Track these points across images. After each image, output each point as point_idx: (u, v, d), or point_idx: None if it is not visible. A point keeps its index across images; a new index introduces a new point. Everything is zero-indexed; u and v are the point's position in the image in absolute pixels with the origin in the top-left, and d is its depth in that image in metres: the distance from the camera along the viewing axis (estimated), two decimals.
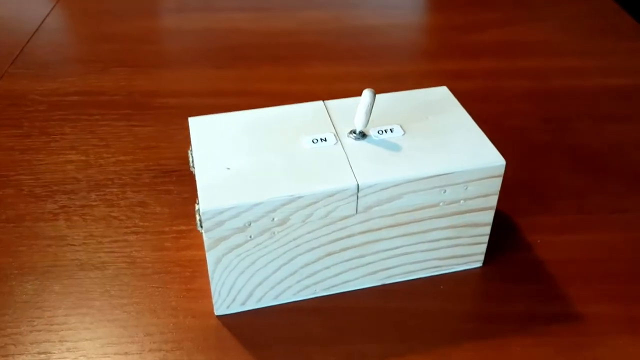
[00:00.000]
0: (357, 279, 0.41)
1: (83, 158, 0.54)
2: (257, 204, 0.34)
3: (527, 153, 0.54)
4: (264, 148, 0.38)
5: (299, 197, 0.35)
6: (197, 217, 0.35)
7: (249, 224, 0.35)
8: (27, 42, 0.72)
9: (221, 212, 0.34)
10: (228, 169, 0.36)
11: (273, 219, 0.35)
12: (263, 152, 0.37)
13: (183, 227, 0.46)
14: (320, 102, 0.42)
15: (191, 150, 0.38)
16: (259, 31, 0.74)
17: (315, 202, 0.35)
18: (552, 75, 0.66)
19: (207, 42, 0.72)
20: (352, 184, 0.35)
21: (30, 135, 0.57)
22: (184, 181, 0.50)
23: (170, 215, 0.47)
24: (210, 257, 0.36)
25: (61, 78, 0.65)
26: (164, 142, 0.55)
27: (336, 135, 0.39)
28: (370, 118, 0.39)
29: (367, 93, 0.37)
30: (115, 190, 0.50)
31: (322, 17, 0.77)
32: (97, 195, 0.50)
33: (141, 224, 0.47)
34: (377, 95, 0.44)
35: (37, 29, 0.75)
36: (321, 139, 0.38)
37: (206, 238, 0.35)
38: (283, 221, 0.35)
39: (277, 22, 0.76)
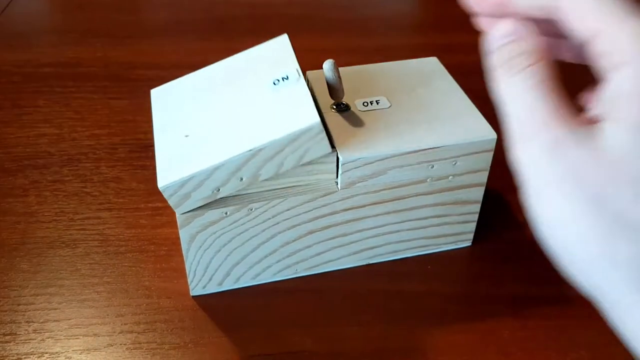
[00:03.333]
0: (340, 258, 0.39)
1: (56, 131, 0.51)
2: (217, 168, 0.32)
3: None
4: (225, 103, 0.35)
5: (260, 149, 0.32)
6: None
7: (218, 190, 0.32)
8: (2, 12, 0.69)
9: (182, 185, 0.31)
10: (186, 136, 0.34)
11: (241, 178, 0.32)
12: (224, 109, 0.34)
13: (159, 204, 0.44)
14: (285, 36, 0.38)
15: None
16: (245, 2, 0.71)
17: (281, 150, 0.32)
18: None
19: (190, 13, 0.69)
20: (313, 120, 0.31)
21: (2, 108, 0.54)
22: None
23: (146, 191, 0.45)
24: (183, 234, 0.34)
25: (35, 49, 0.62)
26: (141, 115, 0.53)
27: (298, 70, 0.35)
28: (357, 88, 0.37)
29: (326, 66, 0.35)
30: (89, 165, 0.48)
31: None
32: (69, 170, 0.47)
33: (115, 200, 0.45)
34: (364, 66, 0.42)
35: None
36: (283, 79, 0.34)
37: (178, 214, 0.33)
38: (254, 178, 0.33)
39: None
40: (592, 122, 0.23)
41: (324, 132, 0.32)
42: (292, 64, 0.35)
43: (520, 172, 0.24)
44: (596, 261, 0.23)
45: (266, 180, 0.33)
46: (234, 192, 0.33)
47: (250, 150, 0.31)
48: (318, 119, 0.32)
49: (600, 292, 0.23)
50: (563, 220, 0.23)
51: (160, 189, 0.31)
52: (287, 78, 0.34)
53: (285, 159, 0.33)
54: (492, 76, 0.26)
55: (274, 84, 0.34)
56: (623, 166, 0.22)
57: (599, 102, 0.24)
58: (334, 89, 0.35)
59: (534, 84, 0.25)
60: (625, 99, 0.23)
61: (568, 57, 0.29)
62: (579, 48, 0.26)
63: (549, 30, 0.28)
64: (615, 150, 0.22)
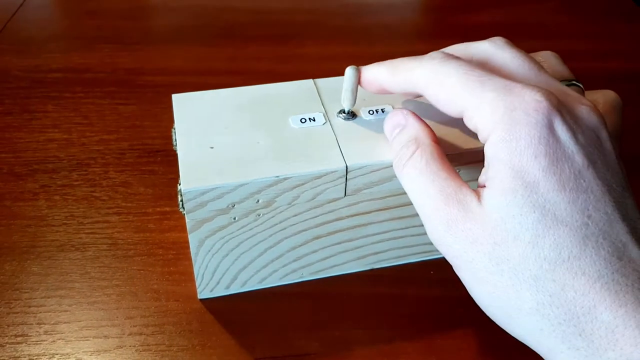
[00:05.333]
0: (345, 263, 0.39)
1: (65, 136, 0.52)
2: (241, 185, 0.33)
3: None
4: (250, 127, 0.36)
5: (285, 179, 0.33)
6: (179, 198, 0.33)
7: (233, 206, 0.34)
8: (11, 18, 0.70)
9: (204, 193, 0.32)
10: (212, 148, 0.35)
11: (258, 200, 0.34)
12: (249, 131, 0.36)
13: (167, 209, 0.45)
14: (310, 81, 0.40)
15: (174, 129, 0.37)
16: (250, 9, 0.72)
17: (302, 184, 0.34)
18: None
19: (196, 20, 0.70)
20: (340, 166, 0.34)
21: (11, 113, 0.55)
22: (168, 161, 0.49)
23: (154, 196, 0.46)
24: (192, 239, 0.35)
25: (44, 54, 0.63)
26: (149, 121, 0.53)
27: (325, 115, 0.37)
28: (362, 97, 0.37)
29: (349, 71, 0.36)
30: (98, 169, 0.48)
31: None
32: (79, 174, 0.48)
33: (124, 204, 0.45)
34: None
35: (21, 4, 0.72)
36: (310, 119, 0.37)
37: (188, 220, 0.34)
38: (268, 203, 0.34)
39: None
40: (478, 188, 0.26)
41: (345, 177, 0.34)
42: (318, 107, 0.37)
43: (438, 248, 0.27)
44: (511, 314, 0.25)
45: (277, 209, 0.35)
46: (246, 212, 0.34)
47: (277, 176, 0.33)
48: (344, 164, 0.33)
49: (525, 341, 0.26)
50: (476, 286, 0.26)
51: (182, 191, 0.32)
52: (314, 120, 0.36)
53: (302, 194, 0.34)
54: (395, 171, 0.29)
55: (302, 122, 0.36)
56: (506, 227, 0.24)
57: (483, 169, 0.27)
58: (351, 95, 0.36)
59: (419, 171, 0.28)
60: (496, 166, 0.25)
61: None
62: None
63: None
64: (493, 213, 0.25)
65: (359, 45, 0.66)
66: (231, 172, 0.33)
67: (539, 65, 0.30)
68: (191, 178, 0.33)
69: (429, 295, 0.39)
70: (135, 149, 0.51)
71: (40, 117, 0.54)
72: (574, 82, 0.38)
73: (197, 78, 0.60)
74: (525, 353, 0.35)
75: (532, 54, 0.34)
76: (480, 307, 0.27)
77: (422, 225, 0.39)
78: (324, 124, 0.36)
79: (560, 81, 0.31)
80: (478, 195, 0.25)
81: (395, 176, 0.35)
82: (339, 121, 0.37)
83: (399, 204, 0.37)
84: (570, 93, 0.28)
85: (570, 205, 0.24)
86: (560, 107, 0.25)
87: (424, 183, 0.27)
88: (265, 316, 0.37)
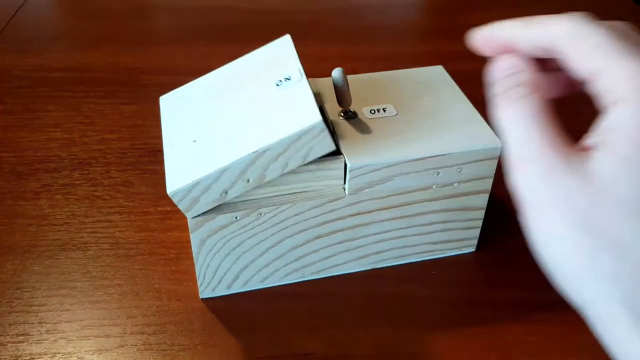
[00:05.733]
0: (346, 262, 0.39)
1: (67, 136, 0.52)
2: (223, 172, 0.32)
3: None
4: (230, 107, 0.35)
5: (265, 151, 0.32)
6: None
7: (226, 192, 0.33)
8: (12, 17, 0.70)
9: (190, 190, 0.32)
10: (194, 141, 0.34)
11: (248, 180, 0.33)
12: (229, 113, 0.35)
13: (168, 208, 0.45)
14: (287, 36, 0.39)
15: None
16: (251, 9, 0.72)
17: (285, 151, 0.32)
18: None
19: (198, 20, 0.70)
20: (314, 120, 0.32)
21: (13, 112, 0.55)
22: None
23: (155, 195, 0.46)
24: (194, 238, 0.35)
25: (46, 54, 0.63)
26: (150, 120, 0.53)
27: (300, 70, 0.35)
28: (363, 97, 0.38)
29: (335, 74, 0.35)
30: (100, 169, 0.49)
31: None
32: (80, 174, 0.48)
33: (125, 204, 0.45)
34: (371, 74, 0.43)
35: (22, 4, 0.72)
36: (285, 79, 0.35)
37: (189, 219, 0.34)
38: (260, 179, 0.33)
39: (269, 0, 0.74)
40: (585, 149, 0.26)
41: (327, 130, 0.32)
42: (294, 64, 0.35)
43: (518, 195, 0.26)
44: (582, 277, 0.25)
45: (273, 182, 0.34)
46: (242, 194, 0.34)
47: (255, 152, 0.32)
48: (319, 117, 0.32)
49: (587, 306, 0.26)
50: (553, 239, 0.26)
51: (169, 195, 0.32)
52: (290, 78, 0.35)
53: (290, 159, 0.33)
54: (493, 105, 0.28)
55: (277, 85, 0.35)
56: (610, 191, 0.24)
57: (594, 132, 0.26)
58: (342, 96, 0.36)
59: (530, 113, 0.27)
60: (618, 133, 0.25)
61: (567, 90, 0.31)
62: (580, 83, 0.28)
63: (549, 65, 0.30)
64: (604, 177, 0.24)
65: (360, 45, 0.66)
66: (211, 161, 0.32)
67: None
68: (175, 179, 0.33)
69: (430, 295, 0.39)
70: (137, 149, 0.51)
71: (41, 117, 0.54)
72: None
73: (198, 77, 0.59)
74: (527, 353, 0.36)
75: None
76: (546, 263, 0.26)
77: (424, 225, 0.39)
78: (299, 80, 0.34)
79: None
80: (584, 156, 0.25)
81: (396, 176, 0.35)
82: (341, 121, 0.37)
83: (400, 204, 0.37)
84: None
85: None
86: None
87: (532, 126, 0.26)
88: (267, 315, 0.37)
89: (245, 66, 0.38)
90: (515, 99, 0.28)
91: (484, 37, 0.31)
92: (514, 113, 0.27)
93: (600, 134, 0.26)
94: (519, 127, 0.27)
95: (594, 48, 0.27)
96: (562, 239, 0.25)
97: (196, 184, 0.32)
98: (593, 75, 0.27)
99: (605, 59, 0.26)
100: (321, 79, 0.40)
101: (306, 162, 0.33)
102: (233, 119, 0.35)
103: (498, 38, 0.31)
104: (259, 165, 0.33)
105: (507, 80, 0.29)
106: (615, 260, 0.24)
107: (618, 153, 0.25)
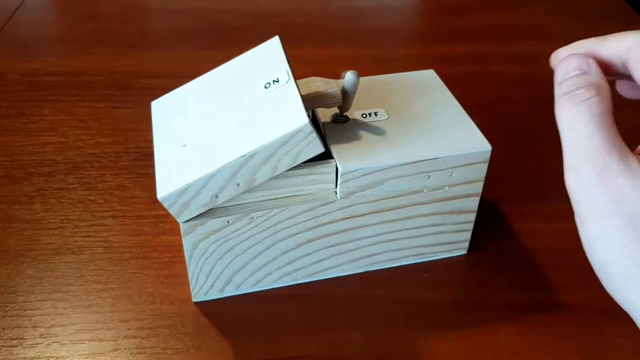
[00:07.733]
0: (338, 265, 0.40)
1: (62, 140, 0.52)
2: (212, 175, 0.32)
3: (517, 139, 0.53)
4: (220, 111, 0.35)
5: (253, 154, 0.32)
6: None
7: (216, 196, 0.33)
8: (7, 21, 0.70)
9: (180, 195, 0.32)
10: (184, 146, 0.34)
11: (238, 184, 0.33)
12: (219, 117, 0.35)
13: (162, 212, 0.45)
14: (275, 39, 0.39)
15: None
16: (247, 12, 0.72)
17: (273, 154, 0.32)
18: (545, 61, 0.64)
19: (193, 23, 0.70)
20: (302, 122, 0.32)
21: (8, 116, 0.55)
22: None
23: (149, 199, 0.46)
24: (186, 242, 0.35)
25: (41, 58, 0.63)
26: (145, 124, 0.54)
27: (288, 72, 0.35)
28: (356, 100, 0.38)
29: (350, 76, 0.35)
30: (94, 173, 0.49)
31: None
32: (74, 178, 0.48)
33: (119, 207, 0.46)
34: (363, 78, 0.43)
35: (17, 8, 0.72)
36: (274, 81, 0.35)
37: (181, 223, 0.34)
38: (250, 183, 0.33)
39: (265, 2, 0.75)
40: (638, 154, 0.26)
41: (315, 132, 0.32)
42: (282, 66, 0.36)
43: (571, 196, 0.26)
44: (629, 279, 0.25)
45: (264, 185, 0.34)
46: (233, 198, 0.34)
47: (243, 155, 0.32)
48: (307, 120, 0.32)
49: (632, 307, 0.26)
50: (601, 240, 0.26)
51: (159, 200, 0.32)
52: (278, 81, 0.35)
53: (279, 162, 0.33)
54: (556, 104, 0.28)
55: (266, 87, 0.35)
56: None
57: None
58: (349, 101, 0.36)
59: (592, 115, 0.27)
60: None
61: (627, 94, 0.32)
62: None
63: (611, 70, 0.30)
64: None
65: (356, 48, 0.66)
66: (200, 166, 0.33)
67: None
68: (165, 184, 0.33)
69: (422, 297, 0.39)
70: (131, 152, 0.51)
71: (36, 121, 0.54)
72: None
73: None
74: (518, 354, 0.36)
75: None
76: (593, 263, 0.27)
77: (415, 228, 0.39)
78: (287, 81, 0.34)
79: None
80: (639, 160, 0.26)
81: (388, 180, 0.36)
82: (332, 125, 0.37)
83: (392, 207, 0.37)
84: None
85: None
86: None
87: (593, 127, 0.27)
88: (260, 319, 0.38)
89: (234, 69, 0.38)
90: (579, 100, 0.28)
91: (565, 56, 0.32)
92: (577, 113, 0.27)
93: None
94: (578, 128, 0.27)
95: None
96: (608, 241, 0.25)
97: (186, 189, 0.32)
98: None
99: None
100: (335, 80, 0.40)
101: (296, 164, 0.34)
102: (222, 122, 0.35)
103: (579, 51, 0.32)
104: (248, 168, 0.33)
105: (574, 80, 0.29)
106: None
107: None
